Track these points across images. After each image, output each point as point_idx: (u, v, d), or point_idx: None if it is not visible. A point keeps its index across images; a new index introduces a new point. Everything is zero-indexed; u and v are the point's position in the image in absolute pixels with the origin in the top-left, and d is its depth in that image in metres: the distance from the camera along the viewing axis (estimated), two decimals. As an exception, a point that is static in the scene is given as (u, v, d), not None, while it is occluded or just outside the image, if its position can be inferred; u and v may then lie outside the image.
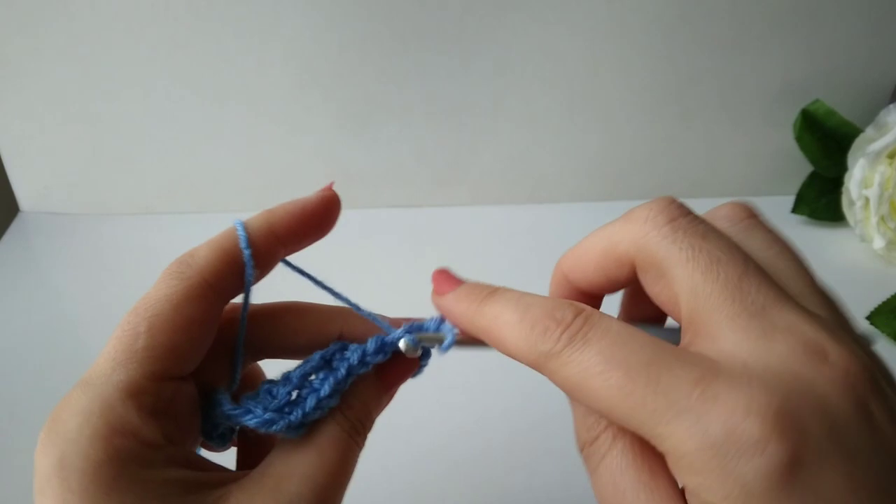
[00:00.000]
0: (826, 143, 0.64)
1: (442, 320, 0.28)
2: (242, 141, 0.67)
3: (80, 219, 0.70)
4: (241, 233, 0.26)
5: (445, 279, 0.27)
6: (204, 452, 0.29)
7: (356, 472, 0.26)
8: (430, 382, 0.30)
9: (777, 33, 0.61)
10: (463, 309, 0.25)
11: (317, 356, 0.26)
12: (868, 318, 0.55)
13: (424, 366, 0.29)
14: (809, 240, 0.65)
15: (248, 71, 0.62)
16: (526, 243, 0.65)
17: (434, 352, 0.28)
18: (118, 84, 0.63)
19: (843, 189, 0.63)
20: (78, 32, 0.60)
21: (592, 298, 0.27)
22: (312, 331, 0.28)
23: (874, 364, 0.21)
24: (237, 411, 0.25)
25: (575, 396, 0.22)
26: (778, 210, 0.67)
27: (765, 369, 0.19)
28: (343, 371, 0.26)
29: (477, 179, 0.69)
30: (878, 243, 0.60)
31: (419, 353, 0.27)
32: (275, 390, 0.26)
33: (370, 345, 0.27)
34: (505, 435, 0.48)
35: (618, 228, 0.24)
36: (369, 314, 0.28)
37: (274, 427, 0.25)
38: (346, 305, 0.29)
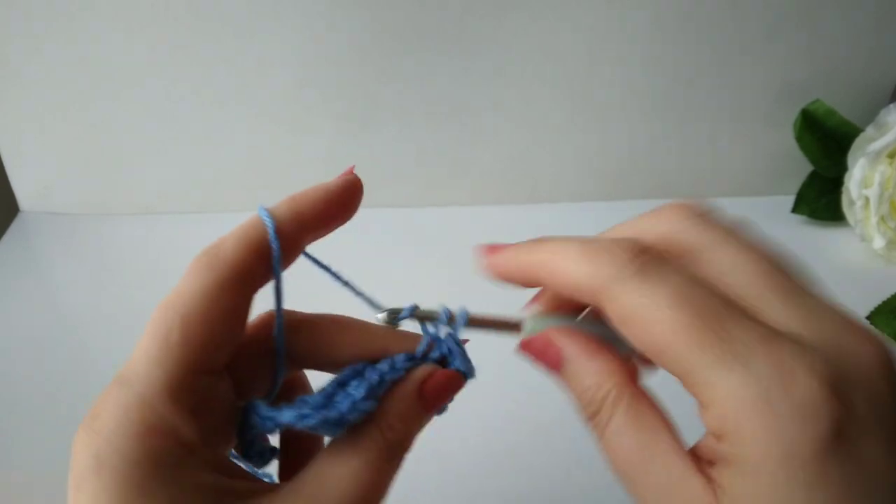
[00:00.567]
0: (826, 143, 0.64)
1: (450, 315, 0.28)
2: (242, 141, 0.67)
3: (80, 219, 0.70)
4: (268, 222, 0.25)
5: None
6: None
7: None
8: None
9: (777, 33, 0.61)
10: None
11: (349, 369, 0.26)
12: (868, 317, 0.55)
13: (467, 381, 0.28)
14: (809, 240, 0.65)
15: (248, 71, 0.62)
16: (526, 243, 0.65)
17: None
18: (118, 84, 0.63)
19: (843, 189, 0.63)
20: (78, 32, 0.60)
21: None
22: (356, 346, 0.27)
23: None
24: (273, 412, 0.25)
25: (625, 327, 0.22)
26: (778, 210, 0.67)
27: (820, 341, 0.20)
28: (376, 378, 0.26)
29: (477, 179, 0.69)
30: (878, 243, 0.60)
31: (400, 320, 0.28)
32: (309, 398, 0.25)
33: (400, 356, 0.27)
34: (508, 435, 0.48)
35: (647, 223, 0.25)
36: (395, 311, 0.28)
37: (308, 420, 0.24)
38: (397, 329, 0.28)
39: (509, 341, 0.27)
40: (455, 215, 0.69)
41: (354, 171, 0.28)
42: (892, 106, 0.60)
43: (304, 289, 0.29)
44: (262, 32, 0.60)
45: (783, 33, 0.61)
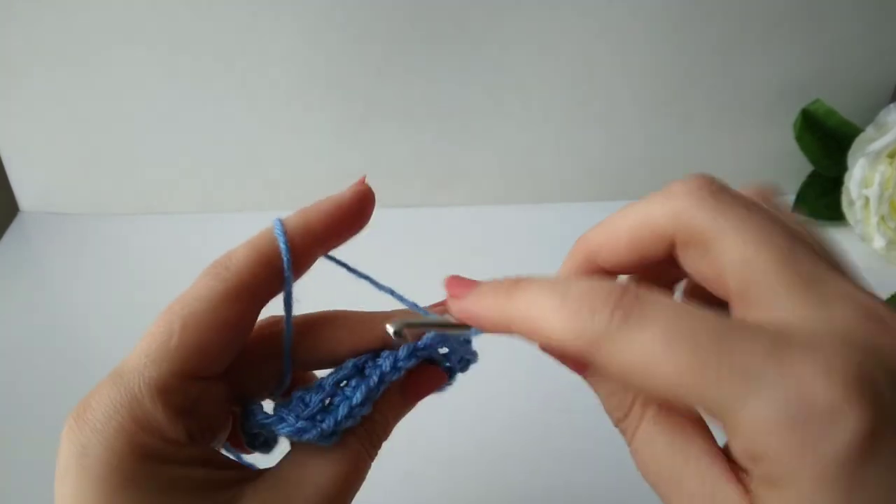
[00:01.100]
0: (826, 143, 0.64)
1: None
2: (242, 141, 0.67)
3: (80, 219, 0.70)
4: (279, 234, 0.25)
5: (459, 283, 0.25)
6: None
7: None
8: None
9: (777, 33, 0.61)
10: (489, 303, 0.23)
11: (349, 364, 0.26)
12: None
13: (451, 382, 0.29)
14: (809, 240, 0.65)
15: (247, 71, 0.62)
16: (526, 243, 0.65)
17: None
18: (118, 84, 0.63)
19: (843, 189, 0.63)
20: (78, 32, 0.60)
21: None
22: (354, 340, 0.27)
23: None
24: (270, 420, 0.26)
25: (634, 381, 0.20)
26: (778, 210, 0.67)
27: (833, 335, 0.19)
28: (375, 378, 0.26)
29: (477, 179, 0.69)
30: (878, 243, 0.60)
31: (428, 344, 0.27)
32: (307, 398, 0.26)
33: (402, 351, 0.26)
34: (507, 433, 0.48)
35: (656, 204, 0.23)
36: (413, 305, 0.28)
37: (306, 436, 0.25)
38: (385, 311, 0.28)
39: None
40: (455, 215, 0.69)
41: (366, 182, 0.28)
42: (892, 106, 0.60)
43: (311, 293, 0.29)
44: (263, 32, 0.60)
45: (783, 33, 0.61)
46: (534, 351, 0.29)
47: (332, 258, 0.28)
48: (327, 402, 0.26)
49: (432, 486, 0.46)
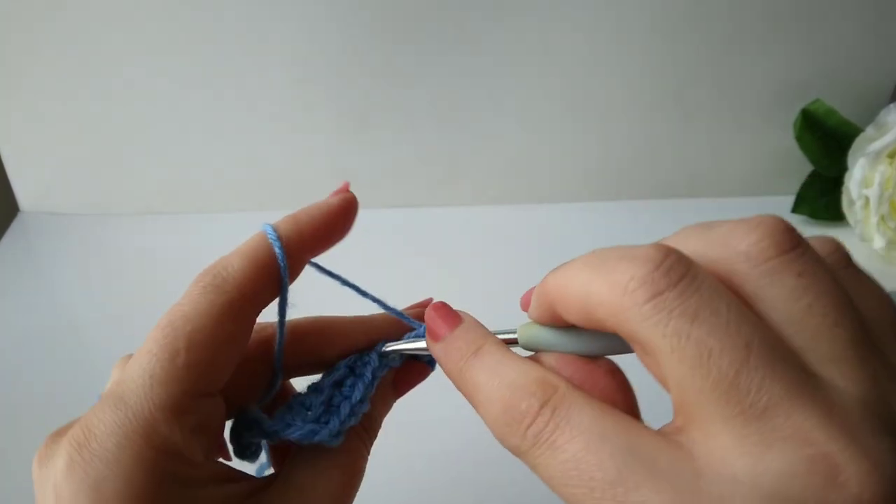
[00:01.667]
0: (826, 143, 0.64)
1: None
2: (242, 141, 0.67)
3: (80, 219, 0.70)
4: (275, 241, 0.25)
5: (443, 317, 0.25)
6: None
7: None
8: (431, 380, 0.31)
9: (777, 33, 0.61)
10: (450, 366, 0.23)
11: (342, 365, 0.27)
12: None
13: (433, 369, 0.29)
14: (809, 240, 0.65)
15: (248, 71, 0.62)
16: (526, 243, 0.65)
17: None
18: (118, 84, 0.63)
19: (844, 189, 0.63)
20: (77, 32, 0.60)
21: None
22: (344, 344, 0.28)
23: None
24: (278, 426, 0.25)
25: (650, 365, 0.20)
26: (778, 210, 0.66)
27: (755, 489, 0.16)
28: (369, 375, 0.26)
29: (477, 179, 0.69)
30: (879, 243, 0.60)
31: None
32: (308, 401, 0.26)
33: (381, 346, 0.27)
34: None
35: (597, 286, 0.19)
36: (395, 311, 0.28)
37: (317, 437, 0.25)
38: (370, 314, 0.29)
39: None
40: (455, 215, 0.69)
41: (349, 189, 0.28)
42: (892, 106, 0.60)
43: (305, 299, 0.29)
44: (263, 32, 0.60)
45: (783, 33, 0.61)
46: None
47: (316, 265, 0.28)
48: (327, 403, 0.26)
49: (430, 484, 0.46)
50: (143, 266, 0.65)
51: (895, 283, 0.57)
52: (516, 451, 0.20)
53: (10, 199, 0.71)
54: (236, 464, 0.30)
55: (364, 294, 0.29)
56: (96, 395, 0.24)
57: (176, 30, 0.60)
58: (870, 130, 0.61)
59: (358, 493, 0.27)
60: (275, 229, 0.25)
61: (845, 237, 0.64)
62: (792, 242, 0.19)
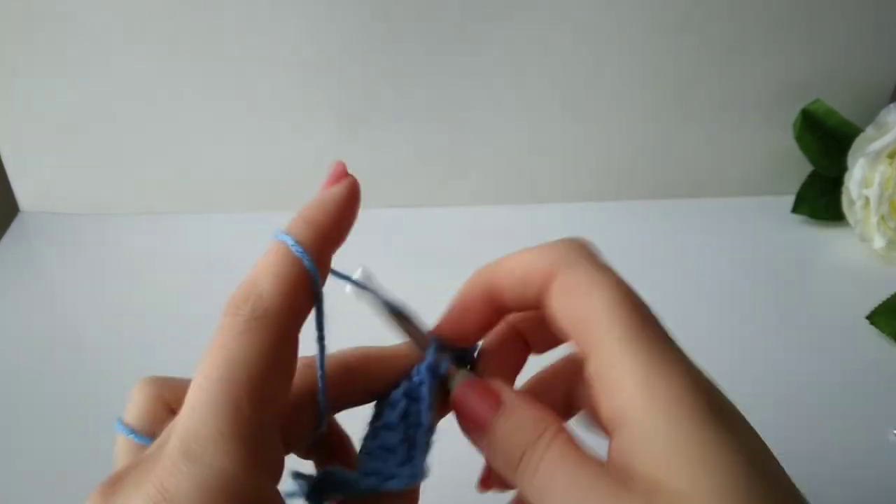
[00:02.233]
0: (826, 143, 0.64)
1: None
2: (243, 141, 0.67)
3: (80, 219, 0.70)
4: (301, 254, 0.23)
5: (483, 398, 0.24)
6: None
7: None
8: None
9: (777, 33, 0.61)
10: (472, 415, 0.24)
11: (399, 395, 0.25)
12: (868, 317, 0.54)
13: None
14: (809, 240, 0.65)
15: (248, 71, 0.62)
16: (526, 243, 0.65)
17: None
18: (118, 84, 0.63)
19: (844, 189, 0.63)
20: (77, 32, 0.60)
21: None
22: (385, 376, 0.26)
23: None
24: (373, 482, 0.23)
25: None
26: (778, 210, 0.67)
27: None
28: (427, 394, 0.25)
29: (477, 179, 0.69)
30: (878, 243, 0.60)
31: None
32: (387, 443, 0.24)
33: (429, 356, 0.25)
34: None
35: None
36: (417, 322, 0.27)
37: (420, 479, 0.23)
38: (406, 342, 0.27)
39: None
40: (455, 215, 0.69)
41: (346, 170, 0.26)
42: (892, 106, 0.60)
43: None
44: (262, 32, 0.60)
45: (783, 33, 0.61)
46: (535, 359, 0.29)
47: (337, 273, 0.26)
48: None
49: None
50: (143, 266, 0.65)
51: (895, 283, 0.57)
52: (512, 480, 0.23)
53: (10, 199, 0.71)
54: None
55: (384, 300, 0.27)
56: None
57: (176, 30, 0.60)
58: (870, 130, 0.61)
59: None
60: (294, 238, 0.23)
61: (845, 237, 0.64)
62: None
